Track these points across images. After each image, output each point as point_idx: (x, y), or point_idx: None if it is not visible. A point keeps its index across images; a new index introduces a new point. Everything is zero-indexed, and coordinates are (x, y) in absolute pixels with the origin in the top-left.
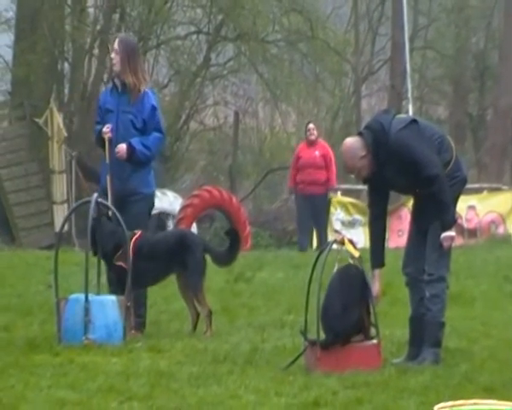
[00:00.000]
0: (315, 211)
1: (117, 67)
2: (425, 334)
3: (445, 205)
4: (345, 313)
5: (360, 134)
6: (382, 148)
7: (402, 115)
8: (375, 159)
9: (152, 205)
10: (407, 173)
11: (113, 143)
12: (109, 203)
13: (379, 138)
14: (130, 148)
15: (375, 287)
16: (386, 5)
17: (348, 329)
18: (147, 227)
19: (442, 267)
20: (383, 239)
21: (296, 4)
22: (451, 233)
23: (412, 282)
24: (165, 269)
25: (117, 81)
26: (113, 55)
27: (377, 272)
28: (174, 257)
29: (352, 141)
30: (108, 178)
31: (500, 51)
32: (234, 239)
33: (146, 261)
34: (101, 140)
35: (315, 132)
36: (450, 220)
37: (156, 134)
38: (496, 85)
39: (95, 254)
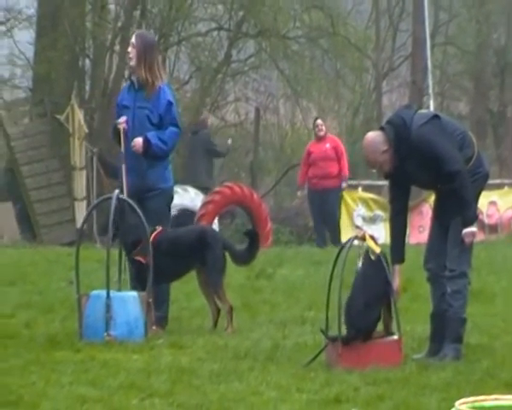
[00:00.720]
0: (327, 207)
1: (133, 62)
2: (446, 330)
3: (466, 201)
4: (367, 310)
5: (382, 129)
6: (404, 143)
7: (424, 111)
8: (396, 154)
9: (171, 200)
10: (429, 169)
11: (129, 138)
12: (125, 195)
13: (401, 133)
14: (146, 141)
15: (395, 282)
16: (406, 1)
17: (370, 325)
18: (168, 222)
19: (463, 263)
20: (404, 235)
21: (317, 1)
22: (473, 229)
23: (434, 278)
24: (184, 265)
25: (133, 78)
26: (129, 49)
27: (397, 267)
28: (194, 253)
29: (373, 135)
30: (123, 168)
31: None
32: (253, 239)
33: (166, 257)
34: (116, 134)
35: (323, 128)
36: (472, 216)
37: (173, 129)
38: None
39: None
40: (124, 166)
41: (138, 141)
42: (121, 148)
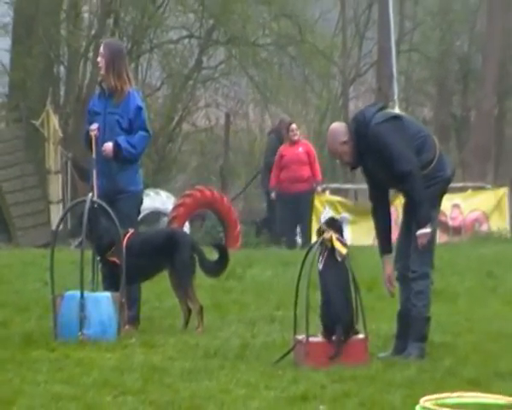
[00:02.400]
0: (299, 209)
1: (102, 71)
2: (411, 329)
3: (417, 202)
4: (348, 304)
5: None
6: (362, 138)
7: (388, 110)
8: (356, 148)
9: (140, 203)
10: (384, 167)
11: (100, 143)
12: (95, 198)
13: (360, 129)
14: (116, 146)
15: (387, 271)
16: (372, 10)
17: (352, 318)
18: (136, 224)
19: (425, 264)
20: (388, 227)
21: (285, 9)
22: (426, 230)
23: (401, 277)
24: (154, 266)
25: (104, 85)
26: (98, 58)
27: (386, 257)
28: (163, 255)
29: (336, 126)
30: (94, 173)
31: (483, 54)
32: (222, 254)
33: (137, 258)
34: (88, 141)
35: (298, 133)
36: (425, 218)
37: (142, 133)
38: (479, 87)
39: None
40: (94, 172)
41: (108, 145)
42: (93, 153)
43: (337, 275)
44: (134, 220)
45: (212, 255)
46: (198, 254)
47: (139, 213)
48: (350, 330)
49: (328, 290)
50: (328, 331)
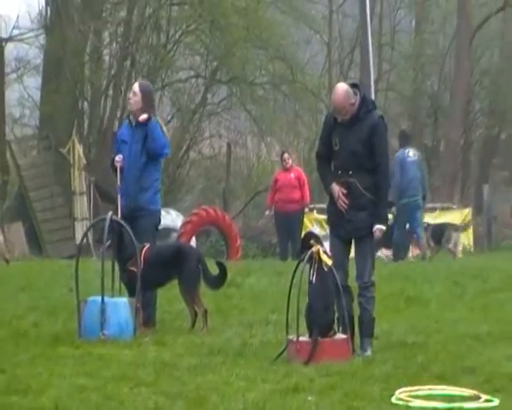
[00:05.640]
0: (291, 226)
1: (134, 107)
2: (364, 330)
3: (380, 197)
4: (326, 311)
5: (355, 85)
6: (365, 111)
7: None
8: (356, 112)
9: (158, 221)
10: (366, 145)
11: (126, 168)
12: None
13: (368, 103)
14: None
15: (338, 191)
16: (355, 53)
17: (329, 323)
18: (154, 239)
19: (372, 274)
20: (330, 172)
21: (279, 52)
22: (383, 227)
23: (342, 288)
24: (166, 275)
25: (131, 117)
26: (131, 95)
27: (333, 185)
28: (173, 265)
29: (346, 87)
30: (119, 197)
31: (451, 92)
32: (222, 271)
33: (151, 269)
34: (114, 168)
35: (290, 161)
36: (384, 215)
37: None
38: (447, 121)
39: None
40: (119, 196)
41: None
42: (117, 181)
43: (321, 286)
44: (152, 235)
45: (215, 268)
46: (202, 267)
47: (157, 229)
48: (327, 331)
49: (311, 298)
50: (308, 330)
